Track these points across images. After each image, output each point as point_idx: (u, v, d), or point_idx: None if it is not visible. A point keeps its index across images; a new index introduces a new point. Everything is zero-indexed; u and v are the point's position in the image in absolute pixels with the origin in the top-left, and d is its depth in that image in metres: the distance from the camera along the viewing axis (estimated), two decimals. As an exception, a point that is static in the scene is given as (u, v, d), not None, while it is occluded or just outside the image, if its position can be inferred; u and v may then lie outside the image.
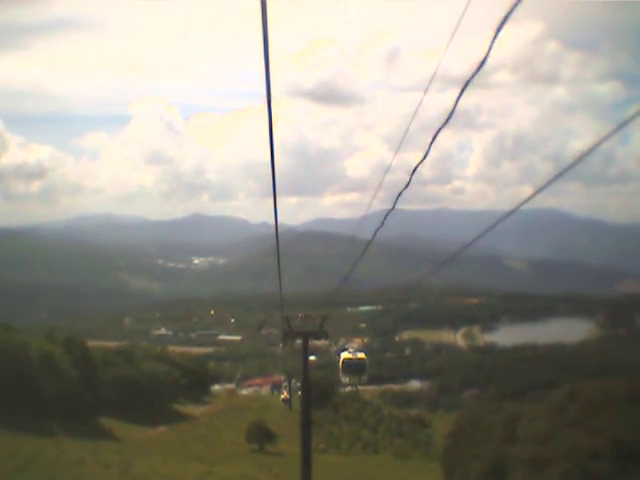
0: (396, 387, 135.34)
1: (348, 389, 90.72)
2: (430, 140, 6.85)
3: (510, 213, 6.93)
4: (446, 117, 6.21)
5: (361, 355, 29.83)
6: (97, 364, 44.92)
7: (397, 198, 9.11)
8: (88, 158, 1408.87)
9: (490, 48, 4.88)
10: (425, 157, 7.22)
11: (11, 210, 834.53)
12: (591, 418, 14.15)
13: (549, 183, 5.65)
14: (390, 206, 9.70)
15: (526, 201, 6.34)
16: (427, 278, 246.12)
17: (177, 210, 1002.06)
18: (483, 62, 5.08)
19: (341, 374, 29.61)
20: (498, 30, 4.62)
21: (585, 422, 14.09)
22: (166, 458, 29.03)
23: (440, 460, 30.74)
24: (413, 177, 8.23)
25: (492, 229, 7.90)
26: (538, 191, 5.92)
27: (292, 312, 23.94)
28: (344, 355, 29.76)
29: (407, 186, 8.47)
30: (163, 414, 50.19)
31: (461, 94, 5.72)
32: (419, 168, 7.92)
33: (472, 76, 5.34)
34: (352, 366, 28.99)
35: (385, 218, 10.32)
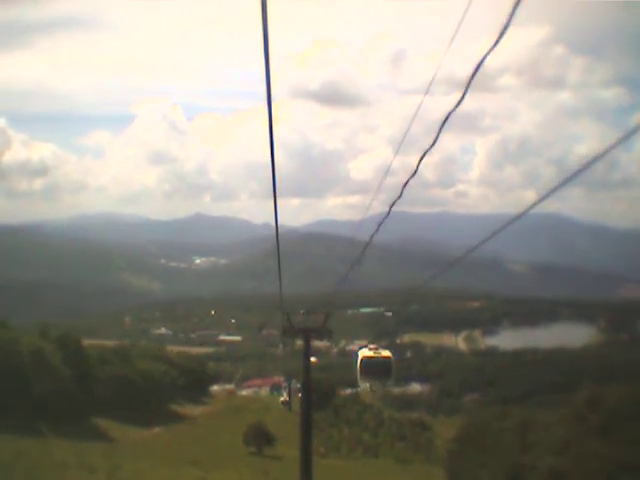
0: (396, 390, 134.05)
1: (348, 391, 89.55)
2: (439, 126, 6.65)
3: (518, 217, 6.86)
4: (458, 100, 6.05)
5: (385, 353, 24.13)
6: (92, 362, 43.92)
7: (404, 186, 8.77)
8: (91, 157, 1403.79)
9: (491, 50, 4.92)
10: (435, 142, 6.95)
11: (14, 207, 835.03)
12: (616, 426, 13.12)
13: (558, 188, 5.55)
14: (392, 208, 9.72)
15: (534, 205, 6.27)
16: (429, 281, 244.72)
17: (179, 210, 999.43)
18: (491, 49, 5.03)
19: (359, 377, 24.03)
20: (501, 35, 4.67)
21: (609, 430, 13.07)
22: (158, 462, 27.84)
23: (444, 466, 29.57)
24: (420, 166, 7.96)
25: (495, 233, 7.92)
26: (546, 195, 5.85)
27: (293, 310, 22.86)
28: (363, 353, 24.04)
29: (414, 174, 8.19)
30: (160, 414, 49.23)
31: (473, 76, 5.51)
32: (421, 170, 8.00)
33: (485, 56, 5.18)
34: (374, 367, 23.40)
35: (391, 207, 9.86)
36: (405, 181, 8.68)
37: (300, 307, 23.36)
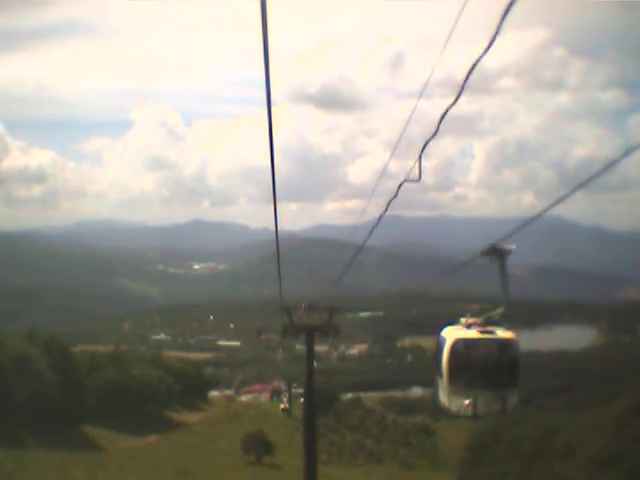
0: (398, 394, 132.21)
1: (349, 396, 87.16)
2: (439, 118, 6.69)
3: (525, 224, 6.99)
4: (455, 96, 6.09)
5: (504, 333, 13.16)
6: (81, 368, 42.03)
7: (400, 185, 8.66)
8: (90, 163, 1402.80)
9: (488, 48, 4.92)
10: (435, 134, 6.91)
11: (12, 214, 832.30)
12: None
13: (566, 196, 5.78)
14: (391, 212, 9.84)
15: (542, 213, 6.52)
16: (428, 284, 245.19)
17: (178, 215, 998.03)
18: (487, 49, 5.06)
19: (444, 383, 13.04)
20: (492, 40, 4.75)
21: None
22: (147, 473, 25.92)
23: (457, 475, 27.84)
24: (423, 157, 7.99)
25: (495, 235, 8.62)
26: (555, 203, 6.12)
27: (293, 311, 21.05)
28: (453, 334, 13.09)
29: (417, 170, 8.12)
30: (155, 422, 47.46)
31: (466, 79, 5.60)
32: (420, 171, 8.10)
33: (477, 60, 5.27)
34: (480, 361, 12.34)
35: (389, 205, 9.72)
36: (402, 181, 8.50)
37: (298, 311, 21.08)
